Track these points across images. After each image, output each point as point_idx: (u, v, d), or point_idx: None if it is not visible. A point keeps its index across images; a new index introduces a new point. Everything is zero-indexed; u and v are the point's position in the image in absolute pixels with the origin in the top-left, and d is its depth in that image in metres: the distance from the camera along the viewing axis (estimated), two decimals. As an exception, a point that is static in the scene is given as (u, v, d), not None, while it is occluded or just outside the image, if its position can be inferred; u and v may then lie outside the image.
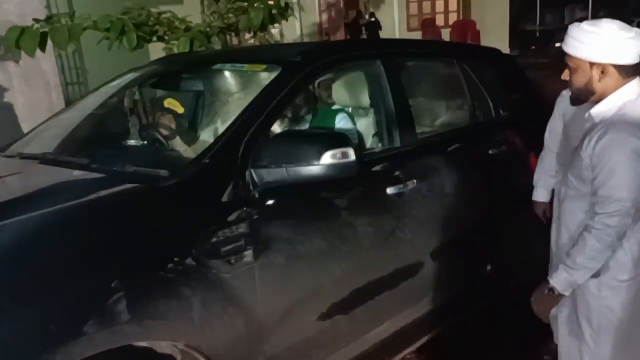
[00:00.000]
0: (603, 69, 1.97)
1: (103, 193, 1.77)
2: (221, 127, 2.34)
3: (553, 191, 2.69)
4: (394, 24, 15.87)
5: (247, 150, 1.90)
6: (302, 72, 2.18)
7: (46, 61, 5.84)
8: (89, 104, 2.81)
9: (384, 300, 2.37)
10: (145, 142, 2.43)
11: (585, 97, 2.05)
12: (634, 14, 20.87)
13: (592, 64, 1.98)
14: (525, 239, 2.96)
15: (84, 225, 1.61)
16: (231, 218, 1.79)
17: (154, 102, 2.76)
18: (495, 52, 3.53)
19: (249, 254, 1.80)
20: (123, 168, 1.96)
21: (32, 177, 2.17)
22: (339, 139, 1.98)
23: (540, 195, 2.70)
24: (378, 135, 2.60)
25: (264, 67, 2.35)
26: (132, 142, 2.40)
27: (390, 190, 2.35)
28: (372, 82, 2.59)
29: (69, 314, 1.44)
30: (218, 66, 2.69)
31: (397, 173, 2.41)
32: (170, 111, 2.65)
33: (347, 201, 2.18)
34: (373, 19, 15.56)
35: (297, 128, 2.84)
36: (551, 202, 2.72)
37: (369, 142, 2.73)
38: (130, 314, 1.51)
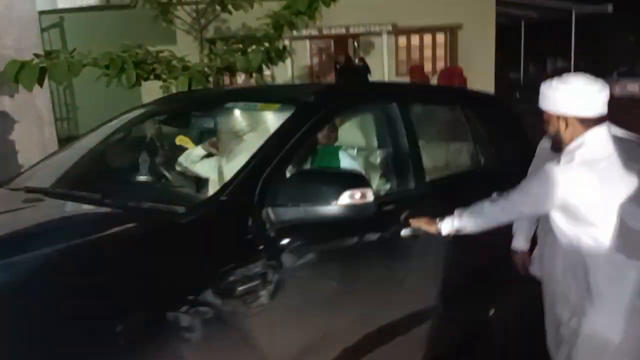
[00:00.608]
0: (566, 121, 2.20)
1: (117, 229, 1.73)
2: (232, 165, 2.33)
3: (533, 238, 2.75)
4: (383, 68, 16.18)
5: (264, 188, 1.87)
6: (317, 112, 2.19)
7: (40, 96, 5.83)
8: (95, 138, 2.76)
9: (396, 345, 2.32)
10: (156, 178, 2.40)
11: (559, 145, 2.27)
12: (614, 63, 21.61)
13: (557, 116, 2.22)
14: (526, 283, 2.96)
15: (97, 262, 1.56)
16: (247, 256, 1.75)
17: (165, 138, 2.74)
18: (493, 98, 3.60)
19: (263, 294, 1.75)
20: (138, 204, 1.93)
21: (38, 211, 2.11)
22: (357, 179, 1.97)
23: (519, 243, 2.76)
24: (389, 176, 2.60)
25: (277, 106, 2.36)
26: (142, 178, 2.36)
27: (404, 233, 2.34)
28: (385, 123, 2.61)
29: (79, 352, 1.38)
30: (230, 104, 2.69)
31: (411, 215, 2.39)
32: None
33: (362, 242, 2.15)
34: (362, 64, 15.86)
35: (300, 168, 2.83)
36: (530, 251, 2.77)
37: (379, 182, 2.73)
38: (143, 353, 1.45)
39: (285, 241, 1.88)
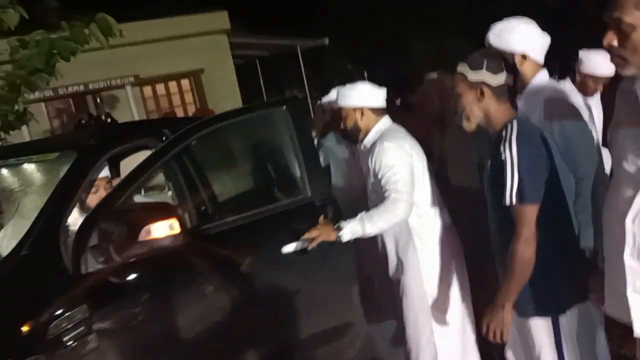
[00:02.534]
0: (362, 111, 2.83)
1: None
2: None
3: None
4: (133, 120, 15.80)
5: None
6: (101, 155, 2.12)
7: None
8: None
9: None
10: None
11: (355, 134, 2.91)
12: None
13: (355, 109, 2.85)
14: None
15: None
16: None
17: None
18: None
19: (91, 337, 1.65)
20: None
21: None
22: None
23: None
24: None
25: (55, 155, 2.22)
26: None
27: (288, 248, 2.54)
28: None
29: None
30: None
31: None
32: None
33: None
34: (109, 120, 15.20)
35: None
36: None
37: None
38: None
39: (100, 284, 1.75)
